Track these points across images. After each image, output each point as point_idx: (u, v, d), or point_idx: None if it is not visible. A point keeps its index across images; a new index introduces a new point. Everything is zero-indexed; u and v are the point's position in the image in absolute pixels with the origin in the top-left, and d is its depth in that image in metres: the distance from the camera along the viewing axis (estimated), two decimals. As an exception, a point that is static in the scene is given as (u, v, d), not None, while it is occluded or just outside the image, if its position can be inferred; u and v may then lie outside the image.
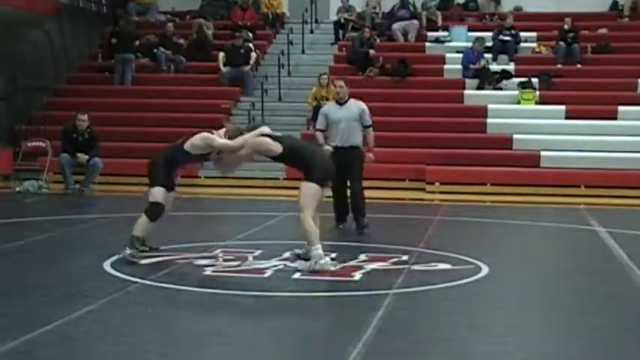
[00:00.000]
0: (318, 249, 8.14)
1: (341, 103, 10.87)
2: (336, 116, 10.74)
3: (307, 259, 8.26)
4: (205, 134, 8.53)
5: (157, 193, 8.52)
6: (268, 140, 8.37)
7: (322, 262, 8.11)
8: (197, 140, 8.50)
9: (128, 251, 8.44)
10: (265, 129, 8.59)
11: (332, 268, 8.18)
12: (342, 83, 10.81)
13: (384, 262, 8.66)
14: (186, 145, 8.53)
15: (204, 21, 21.15)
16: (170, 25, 20.73)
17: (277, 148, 8.32)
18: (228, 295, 7.31)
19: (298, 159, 8.40)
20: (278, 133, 8.66)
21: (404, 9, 21.13)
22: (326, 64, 19.65)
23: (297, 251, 8.59)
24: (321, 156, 8.66)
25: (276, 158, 8.47)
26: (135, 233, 8.52)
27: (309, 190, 8.26)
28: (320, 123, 10.99)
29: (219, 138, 8.49)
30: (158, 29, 21.14)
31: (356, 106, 10.87)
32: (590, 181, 16.27)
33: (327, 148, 10.54)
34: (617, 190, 16.00)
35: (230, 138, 8.47)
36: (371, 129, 10.96)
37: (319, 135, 10.96)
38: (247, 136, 8.42)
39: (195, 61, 20.32)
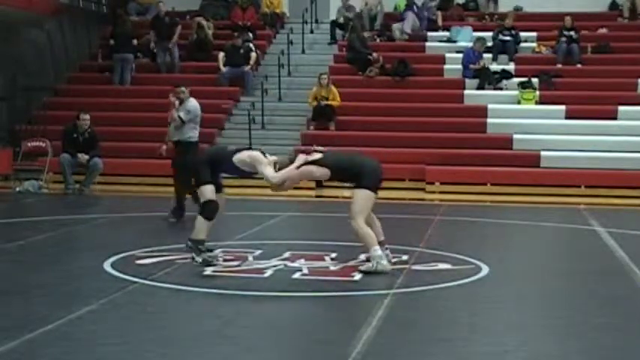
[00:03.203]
0: (377, 250, 8.11)
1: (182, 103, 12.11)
2: (174, 115, 12.08)
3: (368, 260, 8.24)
4: (257, 155, 8.40)
5: (207, 191, 8.40)
6: (311, 169, 8.32)
7: (384, 262, 8.09)
8: (246, 157, 8.39)
9: (199, 259, 8.37)
10: (315, 155, 8.41)
11: (389, 269, 8.14)
12: (183, 89, 12.14)
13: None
14: (235, 158, 8.42)
15: (204, 20, 21.12)
16: (148, 37, 20.58)
17: (324, 173, 8.33)
18: (228, 295, 7.31)
19: (347, 173, 8.36)
20: (320, 152, 8.49)
21: (410, 11, 21.10)
22: (326, 64, 19.65)
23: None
24: (369, 163, 8.48)
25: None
26: (195, 237, 8.44)
27: (362, 197, 8.20)
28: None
29: (267, 166, 8.30)
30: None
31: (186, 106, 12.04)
32: (590, 181, 16.26)
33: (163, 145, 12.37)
34: (617, 190, 16.00)
35: (280, 169, 8.33)
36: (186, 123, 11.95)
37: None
38: (290, 169, 8.27)
39: (195, 61, 20.32)
